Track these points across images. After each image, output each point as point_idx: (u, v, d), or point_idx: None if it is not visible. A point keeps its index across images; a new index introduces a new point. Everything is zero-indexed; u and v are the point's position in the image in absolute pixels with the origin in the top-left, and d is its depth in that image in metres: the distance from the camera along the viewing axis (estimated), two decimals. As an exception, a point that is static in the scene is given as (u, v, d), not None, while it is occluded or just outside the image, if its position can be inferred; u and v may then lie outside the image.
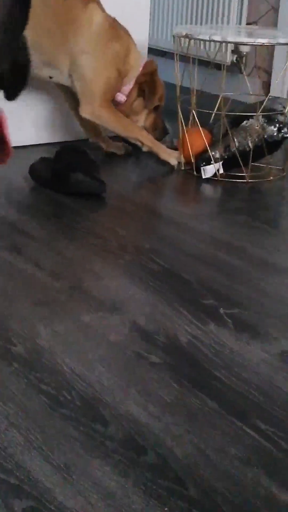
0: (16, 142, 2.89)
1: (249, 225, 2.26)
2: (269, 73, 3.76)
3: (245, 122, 2.64)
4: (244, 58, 3.88)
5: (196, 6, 4.09)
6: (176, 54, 2.67)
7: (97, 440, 1.27)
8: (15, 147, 3.31)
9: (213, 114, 2.80)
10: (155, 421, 1.33)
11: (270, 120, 2.62)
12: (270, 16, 3.78)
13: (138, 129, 2.75)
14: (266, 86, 3.72)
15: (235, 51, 3.86)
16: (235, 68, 3.84)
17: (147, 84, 2.75)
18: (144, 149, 2.75)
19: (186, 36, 2.59)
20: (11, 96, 0.93)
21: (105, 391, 1.41)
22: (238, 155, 2.62)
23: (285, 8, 3.68)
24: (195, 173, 2.70)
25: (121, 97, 2.75)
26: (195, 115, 2.69)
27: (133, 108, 2.79)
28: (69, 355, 1.52)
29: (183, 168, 2.75)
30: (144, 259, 1.99)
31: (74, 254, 2.00)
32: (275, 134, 2.62)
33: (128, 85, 2.73)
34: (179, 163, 2.73)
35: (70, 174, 2.40)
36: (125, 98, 2.75)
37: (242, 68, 3.82)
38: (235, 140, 2.61)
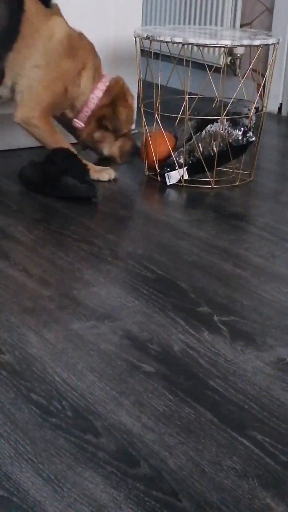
0: (6, 145, 2.86)
1: (220, 229, 2.24)
2: (263, 76, 3.75)
3: (209, 126, 2.59)
4: (238, 60, 3.87)
5: (189, 7, 4.08)
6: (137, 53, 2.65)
7: (88, 451, 1.24)
8: (5, 151, 3.31)
9: (178, 118, 2.76)
10: (148, 432, 1.29)
11: (235, 124, 2.56)
12: (264, 17, 3.77)
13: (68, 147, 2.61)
14: (263, 88, 3.70)
15: (229, 53, 3.85)
16: (230, 70, 3.83)
17: (107, 118, 2.63)
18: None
19: (147, 37, 2.55)
20: None
21: (97, 401, 1.37)
22: (202, 160, 2.58)
23: (280, 9, 3.67)
24: (159, 179, 2.66)
25: (78, 124, 2.65)
26: (158, 120, 2.65)
27: (95, 139, 2.69)
28: (60, 364, 1.48)
29: (147, 173, 2.72)
30: (136, 266, 1.96)
31: (64, 260, 1.97)
32: (240, 138, 2.56)
33: (84, 112, 2.62)
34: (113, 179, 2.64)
35: (61, 178, 2.37)
36: (83, 125, 2.65)
37: (237, 70, 3.80)
38: (199, 145, 2.57)
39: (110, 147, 2.74)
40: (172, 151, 2.63)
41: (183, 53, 2.55)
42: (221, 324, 1.67)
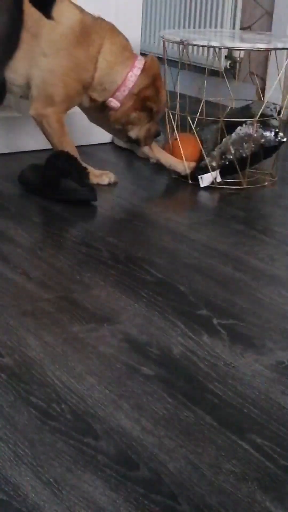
0: (6, 148, 2.86)
1: (246, 234, 2.24)
2: (263, 79, 3.75)
3: (239, 128, 2.62)
4: (238, 64, 3.87)
5: (189, 11, 4.09)
6: (165, 59, 2.65)
7: (88, 455, 1.24)
8: (4, 154, 3.31)
9: (196, 120, 2.77)
10: (147, 435, 1.29)
11: (265, 125, 2.62)
12: (264, 20, 3.77)
13: (72, 151, 2.55)
14: (261, 92, 3.71)
15: (229, 56, 3.85)
16: (229, 74, 3.83)
17: (152, 100, 2.57)
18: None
19: (181, 42, 2.56)
20: None
21: (96, 404, 1.37)
22: (236, 163, 2.61)
23: (279, 13, 3.68)
24: (189, 181, 2.67)
25: (114, 103, 2.58)
26: (191, 122, 2.67)
27: (131, 120, 2.62)
28: (59, 367, 1.48)
29: (174, 176, 2.73)
30: (136, 269, 1.96)
31: (64, 263, 1.97)
32: (272, 139, 2.63)
33: (122, 91, 2.55)
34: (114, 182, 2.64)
35: (61, 181, 2.37)
36: (119, 105, 2.58)
37: (236, 74, 3.81)
38: (232, 147, 2.59)
39: (139, 130, 2.66)
40: (198, 154, 2.66)
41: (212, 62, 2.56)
42: (221, 328, 1.67)
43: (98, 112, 2.67)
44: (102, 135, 3.13)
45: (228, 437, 1.30)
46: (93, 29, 2.51)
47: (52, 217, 2.30)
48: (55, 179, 2.38)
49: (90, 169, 2.57)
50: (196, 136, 2.70)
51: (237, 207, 2.51)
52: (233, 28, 3.90)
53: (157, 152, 2.72)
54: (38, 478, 1.18)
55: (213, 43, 2.54)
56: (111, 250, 2.07)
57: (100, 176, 2.62)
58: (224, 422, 1.34)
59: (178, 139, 2.69)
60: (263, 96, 3.66)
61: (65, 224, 2.25)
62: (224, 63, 3.49)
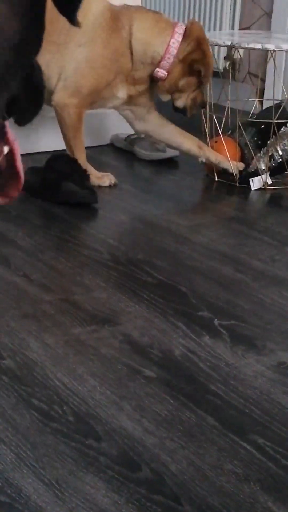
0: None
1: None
2: (263, 80, 3.75)
3: (283, 128, 2.65)
4: (237, 65, 3.87)
5: (188, 11, 4.09)
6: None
7: (90, 456, 1.24)
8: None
9: (223, 123, 2.78)
10: (149, 436, 1.29)
11: None
12: (263, 21, 3.77)
13: (80, 150, 2.58)
14: (260, 92, 3.71)
15: (227, 57, 3.85)
16: (228, 75, 3.83)
17: (200, 62, 2.57)
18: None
19: (231, 45, 2.58)
20: (23, 121, 0.89)
21: (98, 406, 1.37)
22: (285, 163, 2.65)
23: (278, 13, 3.68)
24: (237, 184, 2.69)
25: (161, 73, 2.55)
26: (240, 125, 2.70)
27: (180, 87, 2.60)
28: (60, 369, 1.48)
29: (217, 179, 2.73)
30: (137, 271, 1.96)
31: (64, 265, 1.97)
32: None
33: (167, 60, 2.53)
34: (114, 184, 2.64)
35: (61, 183, 2.37)
36: (166, 74, 2.56)
37: (236, 74, 3.81)
38: (279, 148, 2.63)
39: (187, 98, 2.66)
40: (240, 158, 2.70)
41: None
42: (222, 329, 1.67)
43: (145, 91, 2.65)
44: (101, 137, 3.13)
45: (230, 438, 1.30)
46: (120, 13, 2.53)
47: (53, 220, 2.30)
48: (55, 182, 2.38)
49: (91, 170, 2.58)
50: (236, 139, 2.73)
51: (237, 208, 2.51)
52: (232, 28, 3.91)
53: (207, 151, 2.72)
54: (40, 480, 1.18)
55: (268, 46, 2.57)
56: (112, 252, 2.07)
57: (101, 178, 2.62)
58: (226, 423, 1.34)
59: (223, 141, 2.70)
60: (263, 96, 3.66)
61: (65, 226, 2.25)
62: (223, 64, 3.49)
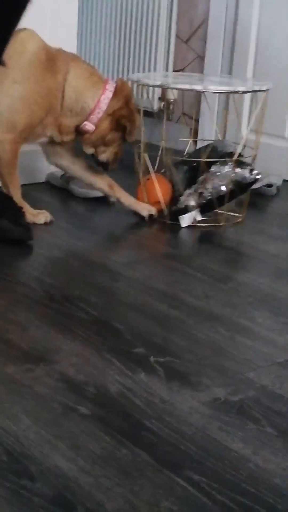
0: None
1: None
2: (196, 120, 3.81)
3: (212, 167, 2.68)
4: (171, 105, 3.93)
5: (123, 53, 4.14)
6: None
7: (24, 497, 1.22)
8: None
9: (157, 162, 2.82)
10: (84, 475, 1.28)
11: (239, 163, 2.70)
12: (196, 64, 3.85)
13: (16, 187, 2.57)
14: (194, 132, 3.77)
15: (162, 98, 3.91)
16: (162, 115, 3.89)
17: (127, 119, 2.63)
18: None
19: (160, 86, 2.62)
20: None
21: (32, 445, 1.35)
22: (214, 201, 2.68)
23: (211, 57, 3.76)
24: (168, 221, 2.71)
25: (89, 126, 2.61)
26: (171, 165, 2.73)
27: (106, 141, 2.65)
28: (-6, 408, 1.46)
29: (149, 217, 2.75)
30: (72, 308, 1.95)
31: (-1, 303, 1.95)
32: (247, 176, 2.69)
33: (96, 114, 2.58)
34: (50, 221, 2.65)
35: (-6, 221, 2.36)
36: (93, 128, 2.61)
37: (170, 115, 3.86)
38: (209, 186, 2.66)
39: (110, 152, 2.70)
40: (171, 194, 2.75)
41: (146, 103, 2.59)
42: (157, 365, 1.67)
43: (69, 140, 2.68)
44: (37, 175, 3.13)
45: (166, 474, 1.30)
46: (57, 57, 2.56)
47: (-13, 257, 2.28)
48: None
49: (27, 208, 2.57)
50: (167, 177, 2.78)
51: (170, 244, 2.53)
52: (166, 70, 3.98)
53: (117, 192, 2.75)
54: (-28, 522, 1.15)
55: (195, 87, 2.62)
56: (47, 290, 2.06)
57: (37, 215, 2.62)
58: (161, 460, 1.33)
59: (154, 179, 2.74)
60: (197, 136, 3.73)
61: None
62: (157, 105, 3.54)
